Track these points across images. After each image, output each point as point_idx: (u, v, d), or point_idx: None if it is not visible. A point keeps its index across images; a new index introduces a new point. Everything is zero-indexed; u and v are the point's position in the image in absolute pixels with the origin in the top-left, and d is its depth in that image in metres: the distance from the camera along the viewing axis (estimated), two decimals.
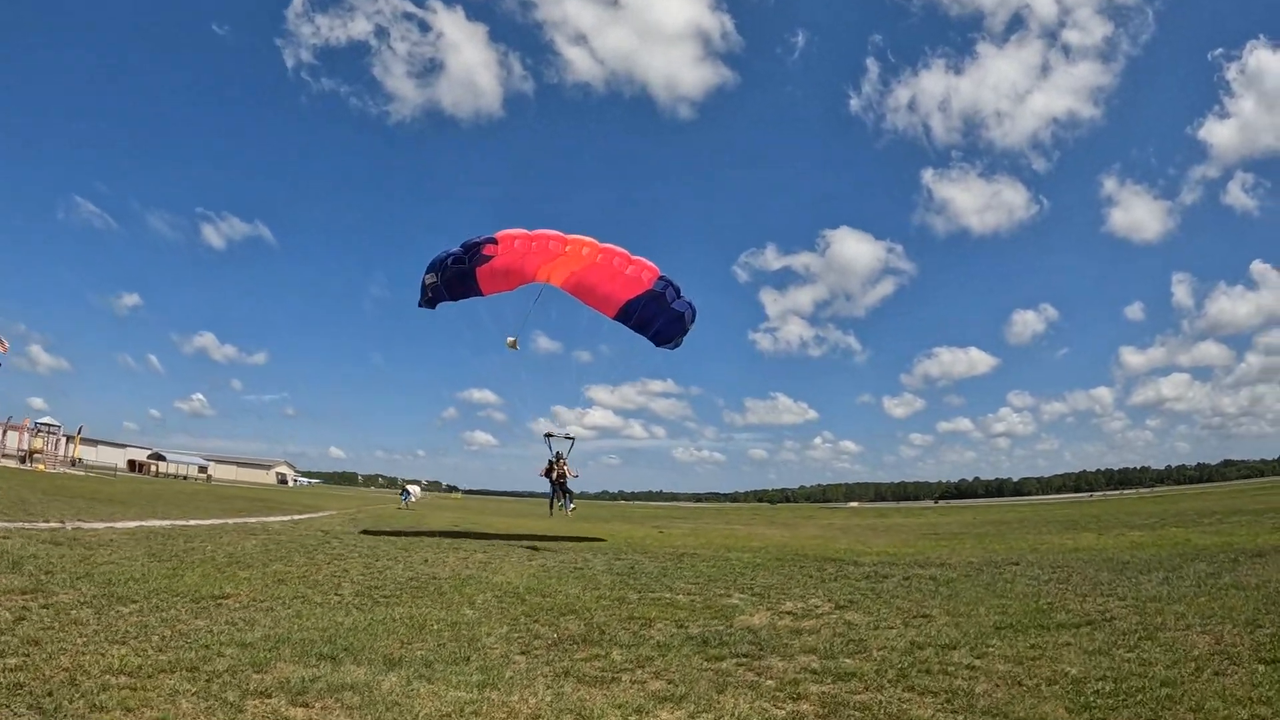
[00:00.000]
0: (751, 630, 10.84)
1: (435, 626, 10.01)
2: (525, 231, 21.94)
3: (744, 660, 9.37)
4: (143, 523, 23.66)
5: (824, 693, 8.29)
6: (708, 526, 47.31)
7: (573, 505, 25.49)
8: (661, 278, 23.26)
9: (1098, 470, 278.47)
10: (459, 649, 8.87)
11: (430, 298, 23.29)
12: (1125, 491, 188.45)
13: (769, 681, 8.69)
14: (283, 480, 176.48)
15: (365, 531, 27.70)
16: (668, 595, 13.49)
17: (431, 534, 27.95)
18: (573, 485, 26.51)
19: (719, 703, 7.61)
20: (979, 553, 23.77)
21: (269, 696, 6.76)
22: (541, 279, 23.22)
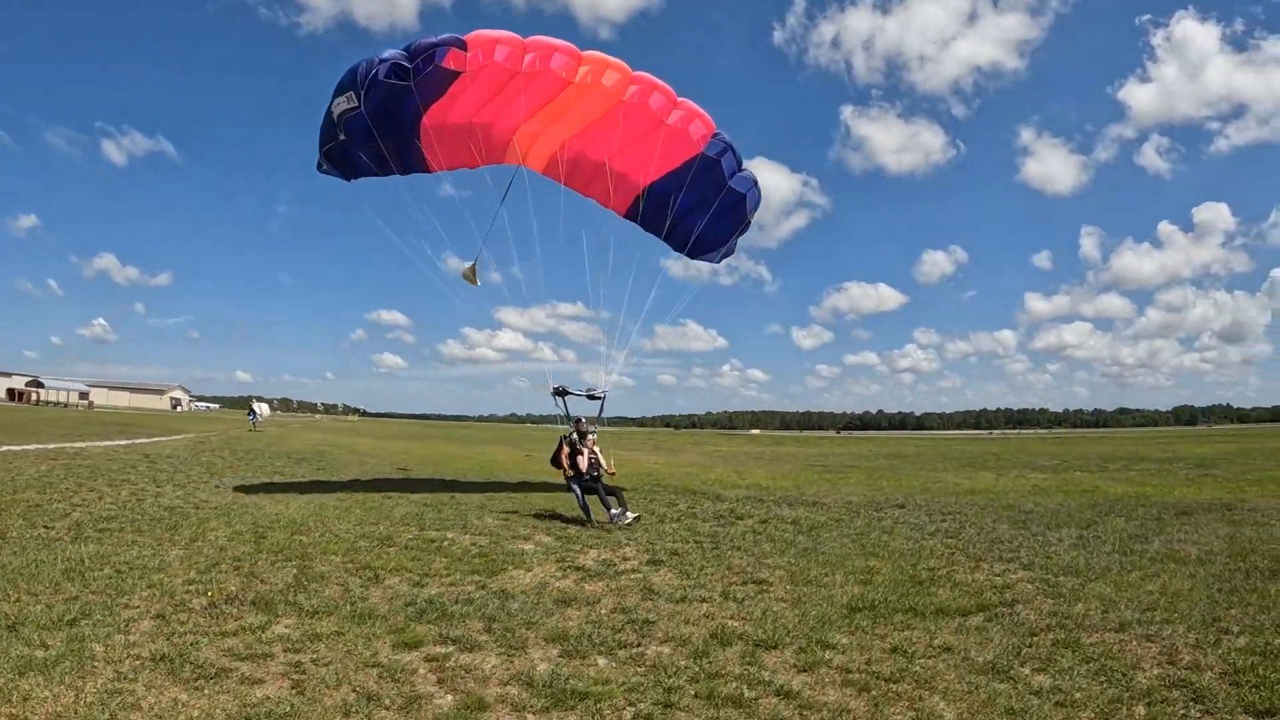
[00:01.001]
0: (506, 595, 8.38)
1: (95, 574, 8.76)
2: (513, 37, 13.46)
3: (440, 656, 6.45)
4: None
5: None
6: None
7: (632, 514, 13.90)
8: (718, 135, 14.85)
9: (998, 409, 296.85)
10: (65, 610, 7.29)
11: (341, 145, 14.29)
12: (1024, 431, 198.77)
13: (444, 697, 5.55)
14: (176, 405, 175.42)
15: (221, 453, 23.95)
16: (450, 537, 11.84)
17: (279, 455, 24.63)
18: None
19: None
20: (864, 490, 21.27)
21: None
22: (522, 150, 14.75)
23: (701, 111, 14.60)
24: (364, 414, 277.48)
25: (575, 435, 14.47)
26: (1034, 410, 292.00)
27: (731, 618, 7.74)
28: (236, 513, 13.74)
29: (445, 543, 11.25)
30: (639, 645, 6.73)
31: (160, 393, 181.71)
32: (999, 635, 7.12)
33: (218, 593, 8.09)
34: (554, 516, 14.50)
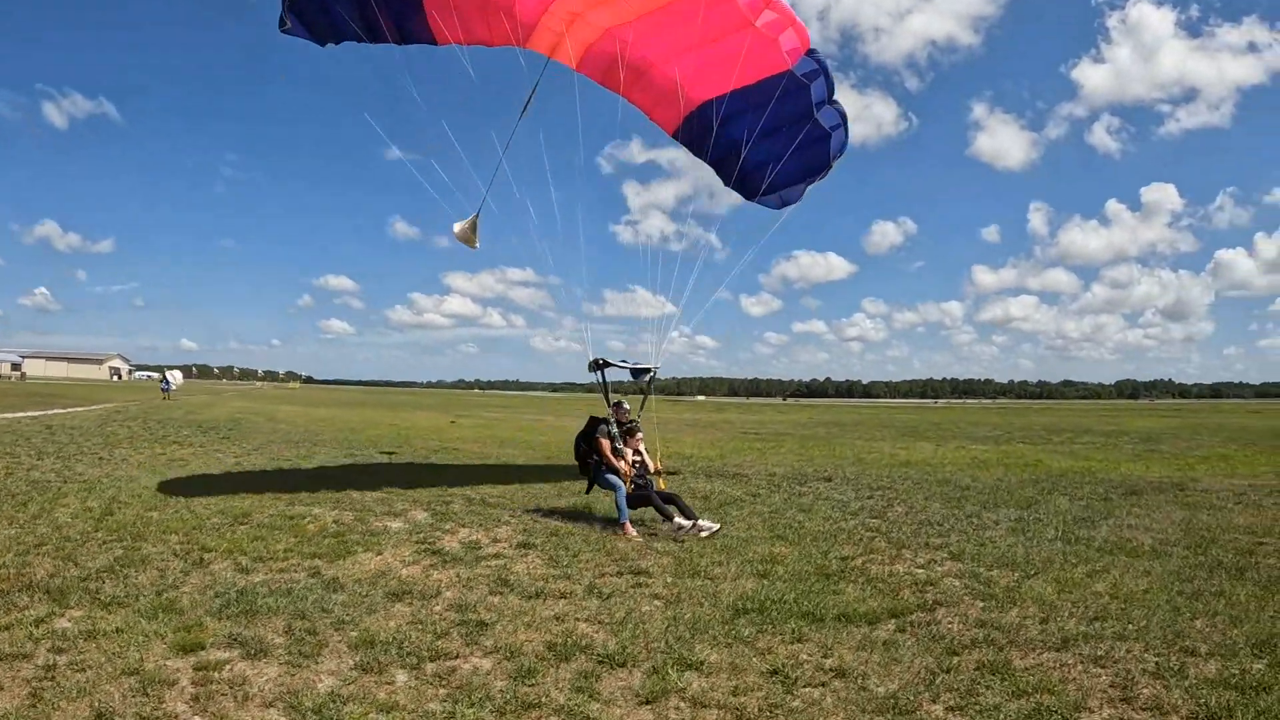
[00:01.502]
0: (336, 586, 7.33)
1: None
2: None
3: (213, 664, 5.45)
4: None
5: None
6: (517, 417, 42.85)
7: (713, 522, 10.15)
8: (813, 52, 11.85)
9: (944, 379, 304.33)
10: None
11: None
12: (969, 401, 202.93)
13: None
14: (116, 374, 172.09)
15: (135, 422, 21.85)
16: (315, 513, 10.85)
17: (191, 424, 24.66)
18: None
19: None
20: (793, 460, 20.06)
21: None
22: (555, 34, 11.44)
23: (797, 19, 11.47)
24: (306, 381, 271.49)
25: (614, 427, 10.86)
26: (980, 381, 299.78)
27: (587, 620, 6.50)
28: (102, 487, 12.86)
29: (305, 520, 10.33)
30: (458, 656, 5.58)
31: (99, 362, 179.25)
32: (910, 654, 5.67)
33: (14, 579, 7.29)
34: (430, 484, 12.84)
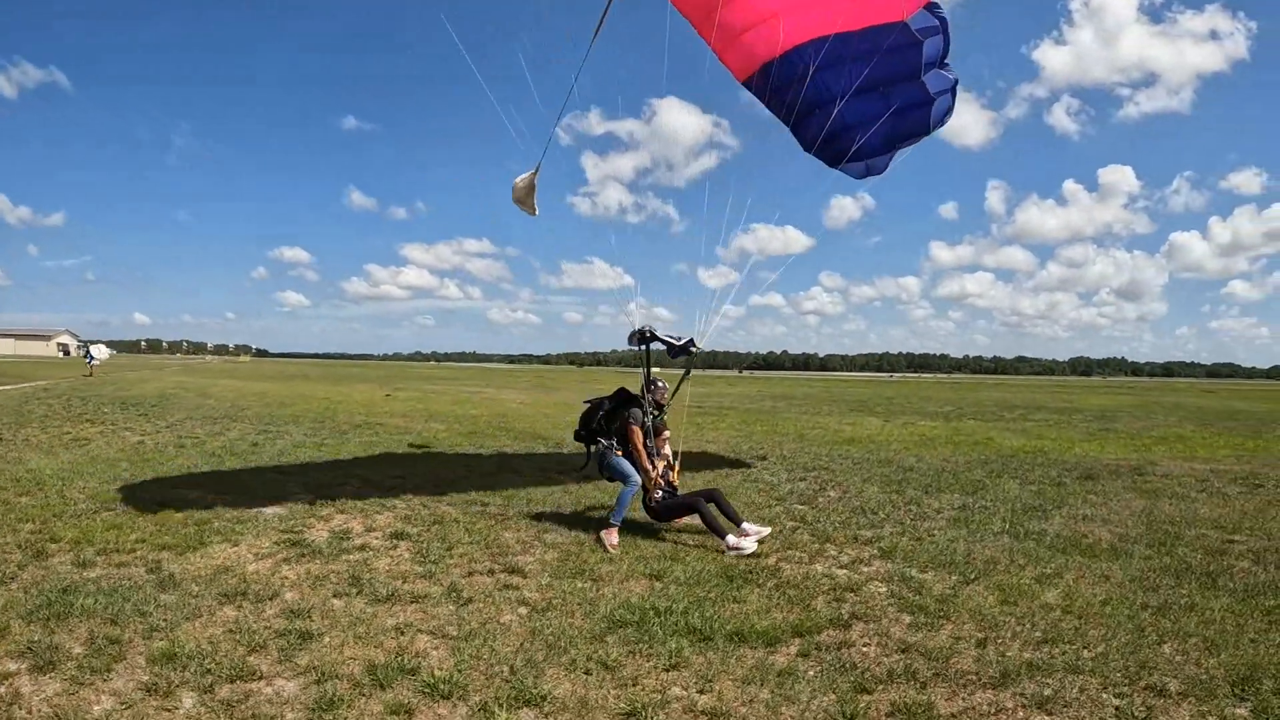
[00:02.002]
0: (171, 583, 6.44)
1: None
2: None
3: None
4: None
5: None
6: (458, 389, 41.19)
7: (757, 533, 8.03)
8: (935, 6, 10.08)
9: (900, 353, 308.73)
10: None
11: None
12: (924, 375, 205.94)
13: None
14: (65, 351, 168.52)
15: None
16: (193, 496, 9.92)
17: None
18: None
19: None
20: (730, 436, 19.13)
21: None
22: None
23: None
24: (258, 354, 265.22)
25: (650, 415, 8.84)
26: (935, 355, 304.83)
27: (432, 632, 5.51)
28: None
29: (177, 503, 9.36)
30: (262, 678, 4.71)
31: (47, 338, 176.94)
32: (808, 690, 4.54)
33: None
34: (331, 462, 11.43)
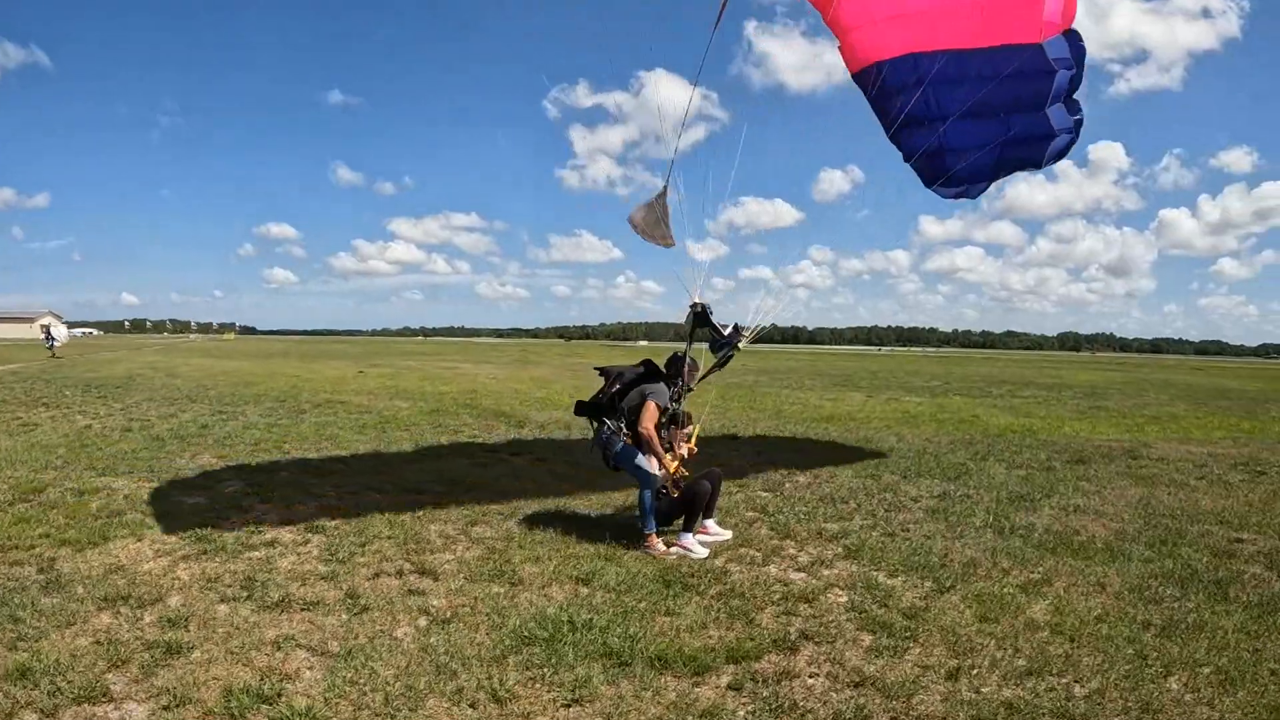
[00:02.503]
0: (58, 585, 5.75)
1: None
2: None
3: None
4: None
5: None
6: (434, 365, 40.01)
7: (716, 537, 7.24)
8: (1073, 34, 9.07)
9: (889, 326, 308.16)
10: None
11: None
12: (913, 349, 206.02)
13: None
14: (46, 332, 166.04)
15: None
16: (115, 486, 9.10)
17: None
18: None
19: None
20: (703, 413, 17.94)
21: None
22: None
23: None
24: (245, 332, 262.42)
25: (676, 403, 7.42)
26: (924, 329, 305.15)
27: (312, 648, 4.75)
28: None
29: (97, 493, 8.71)
30: (111, 700, 4.07)
31: (30, 320, 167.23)
32: None
33: None
34: (275, 445, 10.43)
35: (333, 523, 7.48)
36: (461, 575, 6.09)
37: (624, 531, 7.19)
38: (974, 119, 9.36)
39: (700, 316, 7.74)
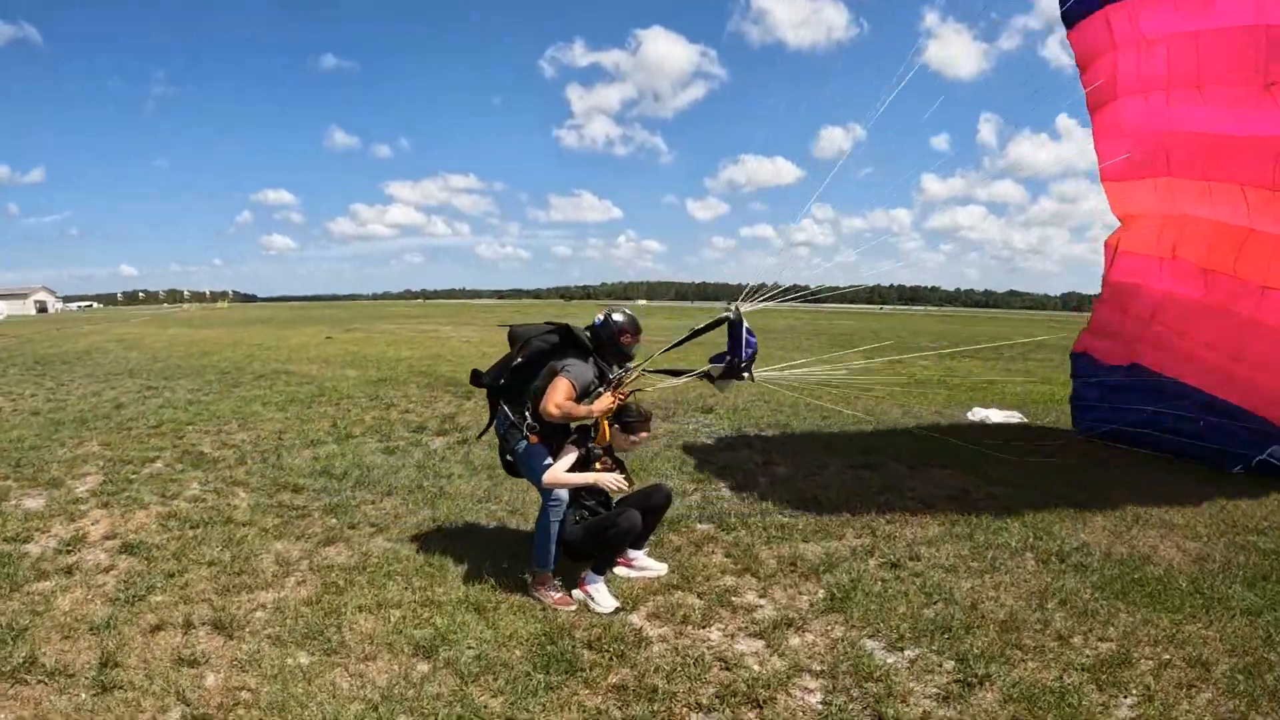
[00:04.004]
0: None
1: None
2: None
3: None
4: None
5: None
6: (411, 329, 37.60)
7: (643, 572, 5.08)
8: None
9: (890, 285, 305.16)
10: None
11: None
12: (915, 308, 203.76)
13: None
14: (43, 308, 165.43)
15: None
16: None
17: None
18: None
19: None
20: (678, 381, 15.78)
21: None
22: None
23: None
24: (243, 299, 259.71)
25: (603, 385, 4.96)
26: (926, 288, 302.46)
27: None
28: None
29: None
30: None
31: (24, 296, 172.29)
32: None
33: None
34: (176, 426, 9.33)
35: (160, 539, 5.72)
36: (265, 633, 4.21)
37: (528, 553, 5.04)
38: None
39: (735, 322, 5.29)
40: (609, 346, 4.97)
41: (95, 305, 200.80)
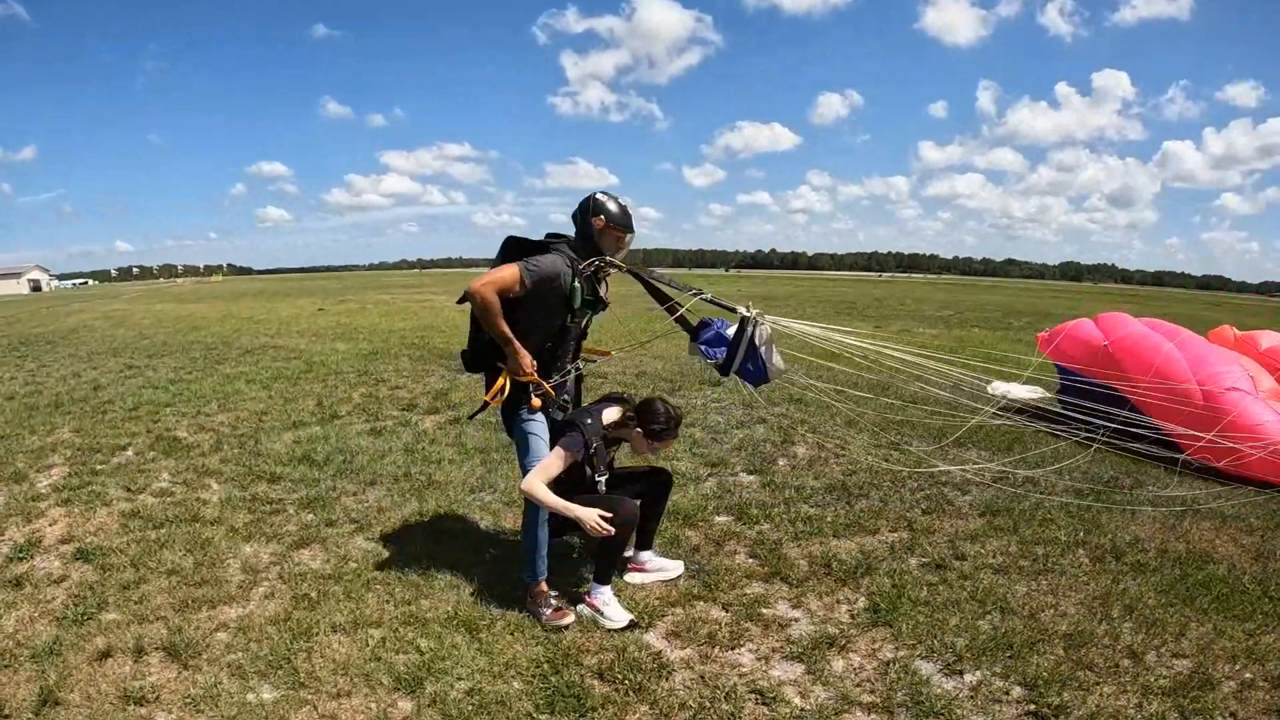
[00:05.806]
0: None
1: None
2: None
3: None
4: None
5: None
6: (408, 299, 36.96)
7: (658, 573, 4.50)
8: None
9: (889, 252, 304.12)
10: None
11: None
12: (914, 275, 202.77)
13: None
14: (36, 287, 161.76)
15: None
16: None
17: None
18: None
19: None
20: (683, 352, 15.17)
21: None
22: None
23: None
24: (238, 272, 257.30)
25: (578, 284, 4.01)
26: (924, 255, 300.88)
27: None
28: None
29: None
30: None
31: (17, 276, 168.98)
32: None
33: None
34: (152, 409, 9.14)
35: (120, 541, 5.09)
36: (225, 660, 3.62)
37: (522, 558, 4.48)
38: None
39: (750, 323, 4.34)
40: (580, 232, 4.07)
41: (91, 282, 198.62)
